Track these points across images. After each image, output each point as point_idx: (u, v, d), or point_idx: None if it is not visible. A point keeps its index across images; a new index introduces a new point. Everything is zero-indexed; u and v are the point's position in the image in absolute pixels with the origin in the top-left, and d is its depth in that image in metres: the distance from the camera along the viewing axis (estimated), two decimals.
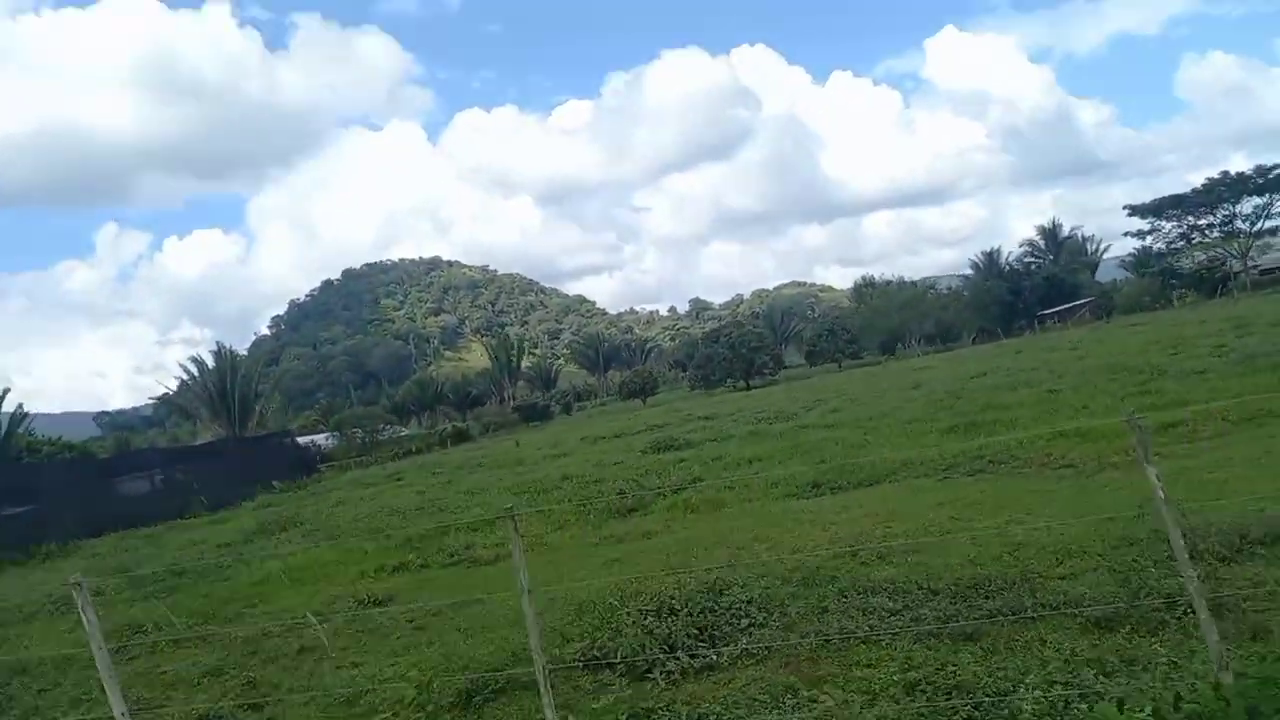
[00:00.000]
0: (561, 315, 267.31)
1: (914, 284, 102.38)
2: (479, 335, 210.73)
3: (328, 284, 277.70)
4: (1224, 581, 6.02)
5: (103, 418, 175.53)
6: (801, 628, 6.64)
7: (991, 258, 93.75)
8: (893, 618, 6.46)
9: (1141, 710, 3.39)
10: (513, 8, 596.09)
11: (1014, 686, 4.75)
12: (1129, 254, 79.65)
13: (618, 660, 6.44)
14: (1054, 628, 5.77)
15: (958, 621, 6.08)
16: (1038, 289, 78.99)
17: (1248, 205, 64.04)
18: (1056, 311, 74.89)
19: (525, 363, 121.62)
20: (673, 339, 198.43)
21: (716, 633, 6.73)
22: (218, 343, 67.31)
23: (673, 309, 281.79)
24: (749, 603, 7.22)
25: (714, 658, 6.30)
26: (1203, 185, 64.61)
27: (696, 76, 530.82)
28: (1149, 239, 70.77)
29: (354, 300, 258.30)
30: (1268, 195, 63.04)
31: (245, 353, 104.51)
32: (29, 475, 38.17)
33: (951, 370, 33.90)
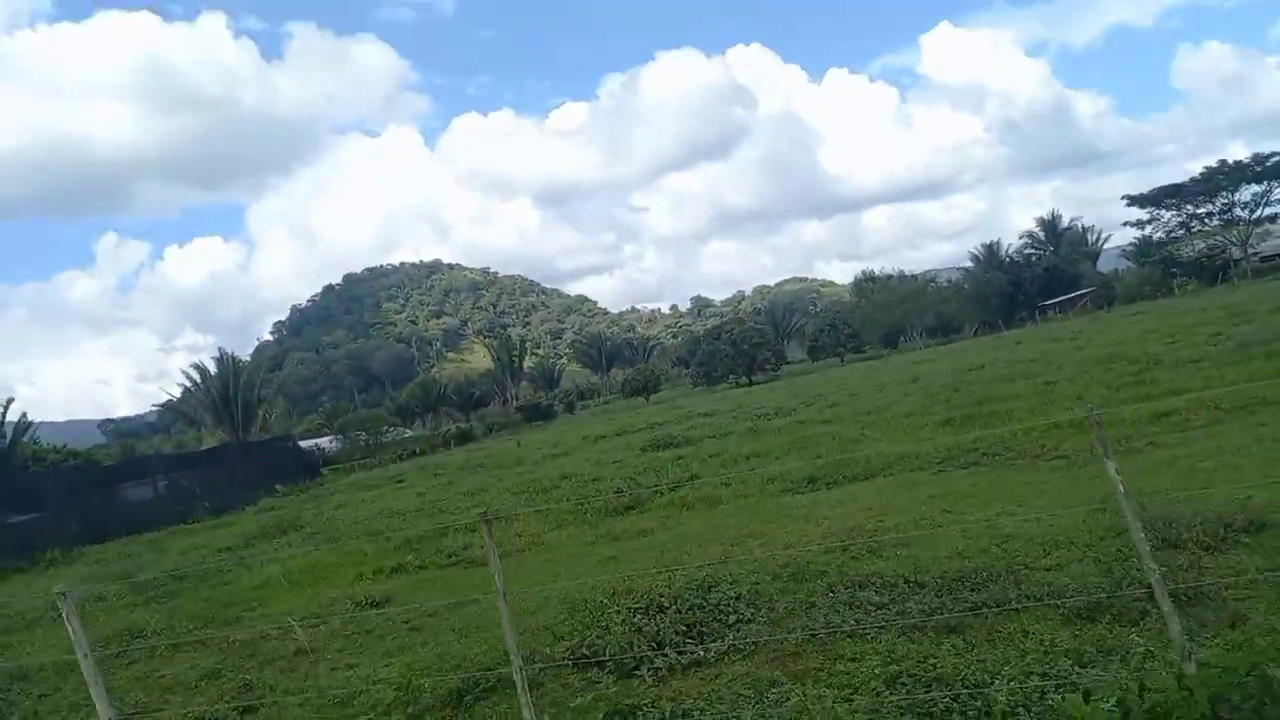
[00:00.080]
0: (563, 315, 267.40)
1: (914, 278, 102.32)
2: (481, 337, 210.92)
3: (329, 289, 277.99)
4: (1207, 570, 6.05)
5: (108, 425, 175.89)
6: (788, 623, 6.69)
7: (992, 250, 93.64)
8: (878, 611, 6.49)
9: (1107, 701, 3.43)
10: (507, 13, 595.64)
11: (991, 679, 4.79)
12: (1129, 244, 79.39)
13: (606, 658, 6.49)
14: (1037, 619, 5.81)
15: (942, 614, 6.11)
16: (1038, 280, 78.85)
17: (1246, 193, 63.85)
18: (1057, 302, 74.77)
19: (528, 363, 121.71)
20: (675, 336, 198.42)
21: (705, 629, 6.78)
22: (220, 349, 67.54)
23: (674, 307, 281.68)
24: (737, 599, 7.26)
25: (701, 654, 6.35)
26: (1201, 174, 64.39)
27: (692, 76, 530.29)
28: (1148, 228, 70.63)
29: (356, 304, 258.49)
30: (1266, 183, 62.80)
31: (248, 358, 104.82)
32: (34, 483, 38.34)
33: (950, 363, 33.90)
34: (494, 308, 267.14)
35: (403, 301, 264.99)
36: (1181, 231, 68.63)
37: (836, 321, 78.88)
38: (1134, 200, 70.02)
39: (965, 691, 4.73)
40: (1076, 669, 4.71)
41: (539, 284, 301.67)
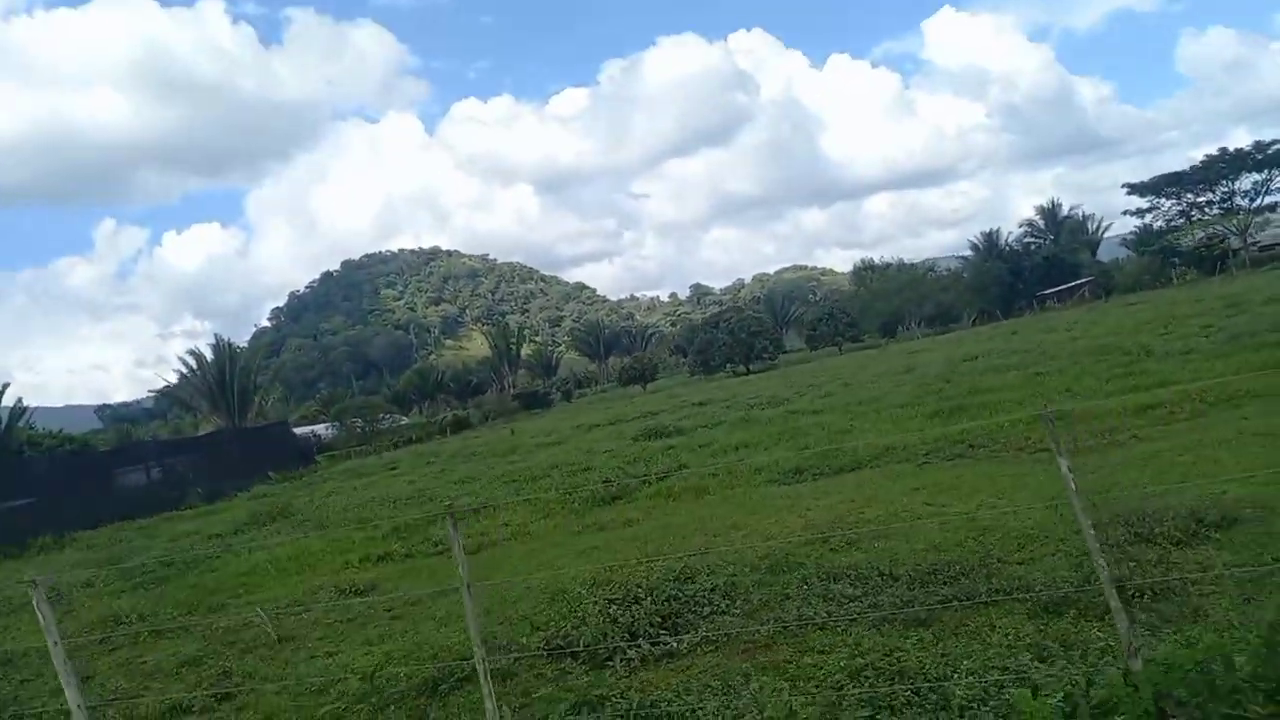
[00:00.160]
0: (562, 303, 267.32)
1: (914, 266, 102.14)
2: (479, 324, 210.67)
3: (327, 275, 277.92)
4: (1175, 565, 6.08)
5: (105, 411, 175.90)
6: (762, 615, 6.72)
7: (991, 238, 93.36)
8: (851, 604, 6.52)
9: (1054, 696, 3.44)
10: None
11: (952, 672, 4.81)
12: (1130, 232, 79.32)
13: (580, 649, 6.52)
14: (1005, 613, 5.84)
15: (912, 607, 6.14)
16: (1037, 269, 78.72)
17: (1247, 181, 63.78)
18: (1056, 291, 74.67)
19: (526, 350, 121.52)
20: (674, 324, 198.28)
21: (679, 621, 6.81)
22: (216, 335, 67.45)
23: (674, 295, 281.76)
24: (713, 590, 7.29)
25: (675, 645, 6.37)
26: (1201, 162, 64.26)
27: (693, 62, 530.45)
28: (1148, 217, 70.54)
29: (354, 291, 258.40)
30: (1267, 171, 62.73)
31: (246, 345, 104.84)
32: (29, 469, 38.38)
33: (946, 353, 33.91)
34: (493, 295, 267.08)
35: (401, 288, 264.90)
36: (1182, 220, 68.57)
37: (835, 310, 78.86)
38: (1134, 189, 69.96)
39: (926, 685, 4.76)
40: (1036, 663, 4.74)
41: (538, 271, 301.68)
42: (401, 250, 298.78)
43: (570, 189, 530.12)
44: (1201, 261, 65.46)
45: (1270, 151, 61.41)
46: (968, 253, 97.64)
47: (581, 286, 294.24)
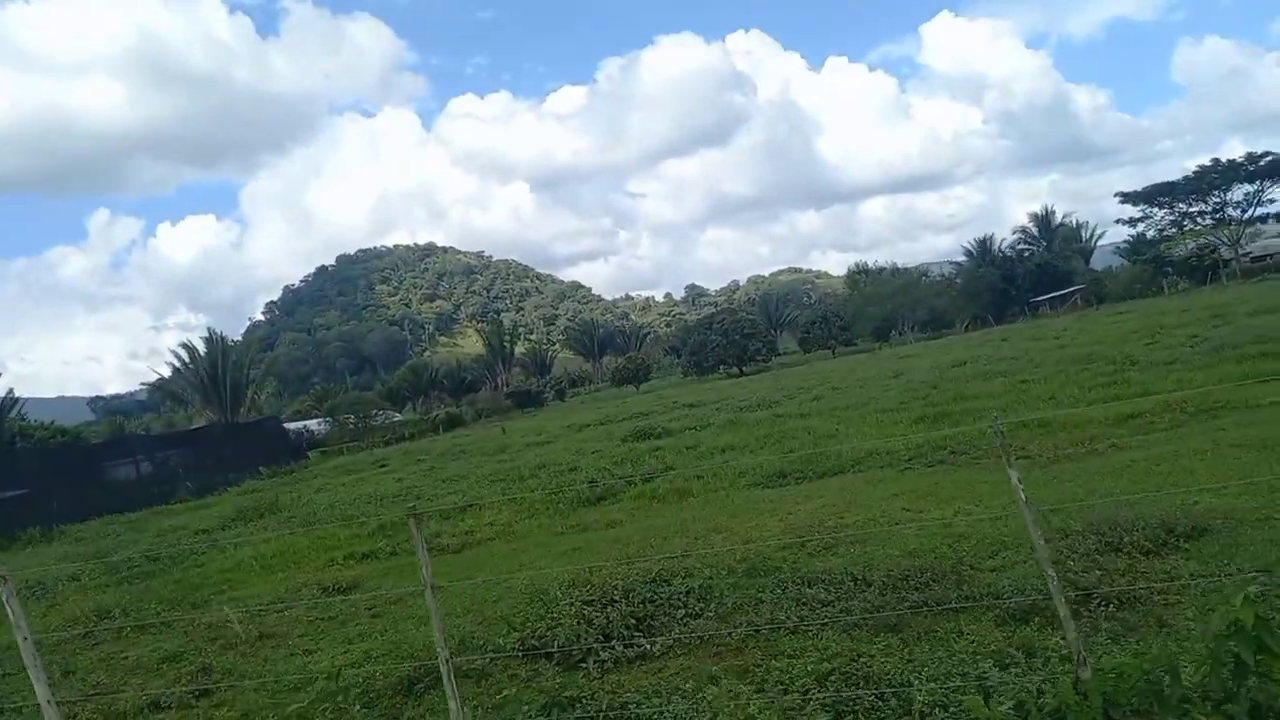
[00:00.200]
0: (557, 301, 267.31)
1: (907, 271, 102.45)
2: (474, 321, 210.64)
3: (322, 270, 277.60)
4: (1142, 574, 6.16)
5: (97, 403, 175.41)
6: (735, 618, 6.78)
7: (985, 245, 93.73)
8: (823, 609, 6.59)
9: (1004, 704, 3.52)
10: None
11: (915, 677, 4.89)
12: (1124, 241, 79.67)
13: (554, 649, 6.58)
14: (973, 619, 5.92)
15: (883, 613, 6.22)
16: (1030, 276, 79.00)
17: (1239, 193, 64.11)
18: (1049, 299, 74.98)
19: (520, 349, 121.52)
20: (668, 325, 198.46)
21: (654, 623, 6.87)
22: (209, 328, 67.25)
23: (669, 295, 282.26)
24: (688, 593, 7.36)
25: (648, 647, 6.44)
26: (1194, 173, 64.65)
27: (691, 62, 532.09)
28: (1141, 226, 70.85)
29: (349, 286, 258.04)
30: (1259, 183, 63.07)
31: (240, 338, 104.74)
32: (19, 460, 38.31)
33: (935, 358, 34.06)
34: (488, 292, 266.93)
35: (396, 284, 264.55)
36: (1174, 230, 68.90)
37: (828, 314, 79.16)
38: (1127, 197, 70.27)
39: (890, 690, 4.83)
40: (997, 670, 4.81)
41: (533, 269, 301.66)
42: (397, 246, 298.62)
43: (566, 187, 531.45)
44: (1193, 271, 65.79)
45: (1262, 163, 61.76)
46: (962, 258, 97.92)
47: (577, 285, 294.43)
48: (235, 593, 12.07)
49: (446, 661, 4.29)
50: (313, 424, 73.41)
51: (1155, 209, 68.49)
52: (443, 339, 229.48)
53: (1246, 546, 6.42)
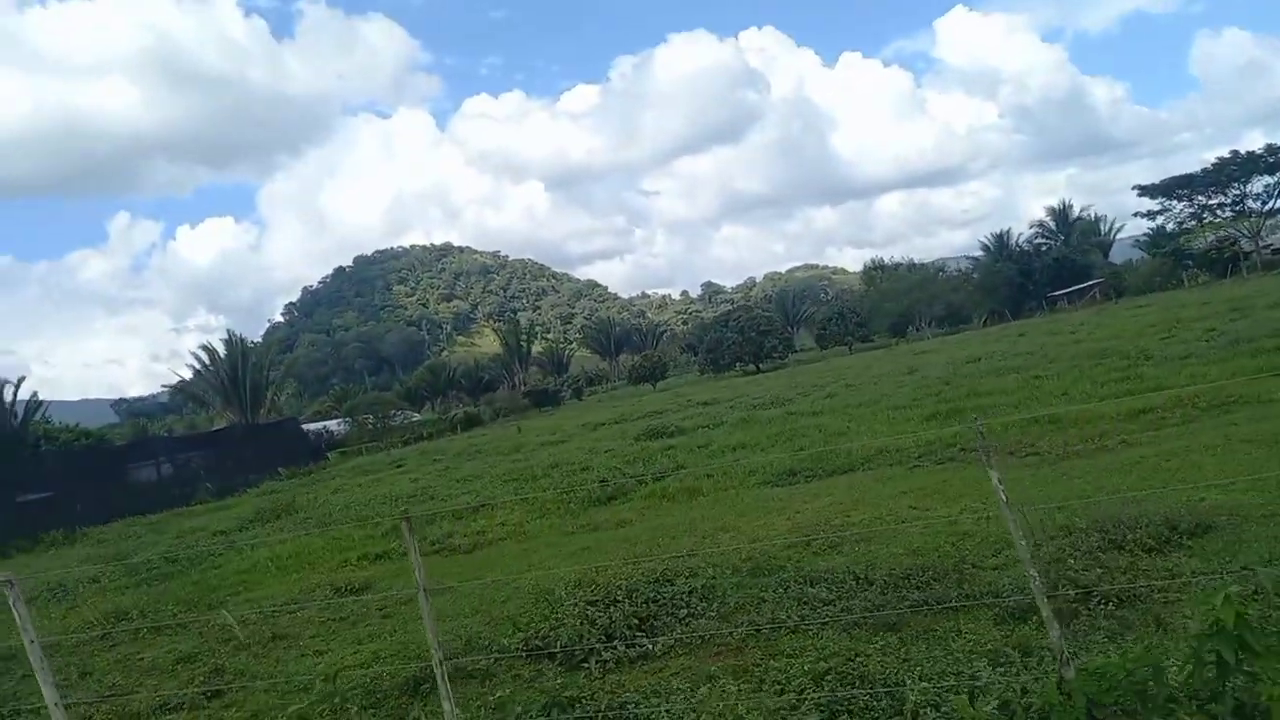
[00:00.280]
0: (573, 300, 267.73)
1: (924, 266, 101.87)
2: (491, 321, 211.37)
3: (340, 271, 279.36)
4: (1143, 572, 6.15)
5: (121, 405, 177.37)
6: (737, 618, 6.82)
7: (1002, 239, 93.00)
8: (825, 608, 6.62)
9: (989, 703, 3.55)
10: None
11: (908, 678, 4.92)
12: (1143, 234, 78.87)
13: (557, 649, 6.65)
14: (972, 618, 5.93)
15: (882, 612, 6.24)
16: (1048, 270, 78.36)
17: (1259, 184, 63.32)
18: (1067, 293, 74.34)
19: (537, 348, 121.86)
20: (685, 323, 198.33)
21: (656, 622, 6.92)
22: (229, 330, 67.87)
23: (685, 293, 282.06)
24: (691, 593, 7.40)
25: (649, 647, 6.49)
26: (1213, 165, 63.88)
27: (704, 60, 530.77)
28: (1159, 219, 70.15)
29: (366, 287, 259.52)
30: (1278, 174, 62.27)
31: (260, 340, 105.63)
32: (43, 463, 38.86)
33: (950, 354, 33.91)
34: (504, 291, 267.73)
35: (413, 284, 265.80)
36: (1193, 223, 68.16)
37: (845, 310, 78.91)
38: (1145, 190, 69.59)
39: (884, 689, 4.86)
40: (991, 669, 4.83)
41: (549, 268, 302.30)
42: (413, 246, 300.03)
43: (581, 186, 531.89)
44: (1213, 264, 65.05)
45: None
46: (978, 253, 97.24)
47: (593, 284, 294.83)
48: (251, 594, 12.23)
49: (440, 664, 4.36)
50: (332, 425, 73.92)
51: (1174, 202, 67.76)
52: (460, 339, 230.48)
53: (1251, 543, 6.39)
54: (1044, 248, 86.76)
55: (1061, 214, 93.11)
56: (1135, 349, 20.64)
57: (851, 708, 4.80)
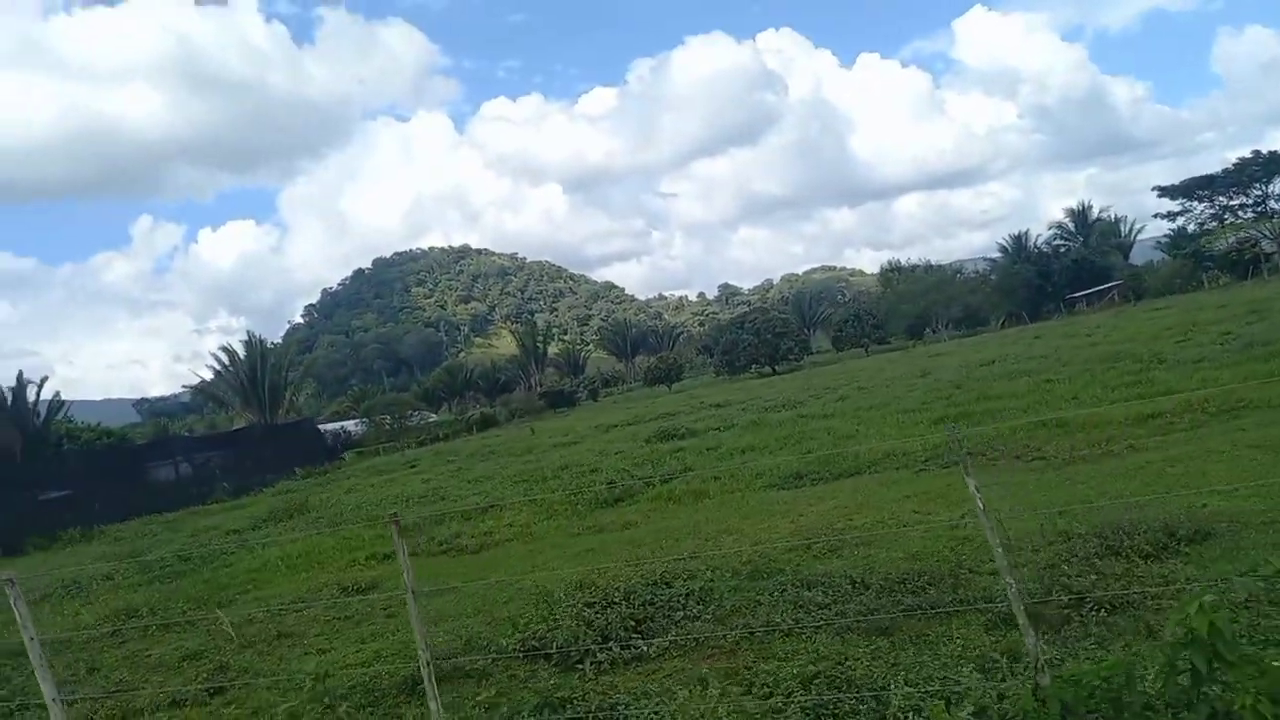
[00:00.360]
0: (590, 302, 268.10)
1: (941, 268, 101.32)
2: (508, 322, 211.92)
3: (359, 273, 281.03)
4: (1138, 579, 6.12)
5: (143, 405, 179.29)
6: (733, 620, 6.85)
7: (1020, 240, 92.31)
8: (820, 611, 6.63)
9: (964, 709, 3.56)
10: None
11: (893, 682, 4.93)
12: (1164, 235, 78.10)
13: (553, 650, 6.70)
14: (964, 624, 5.93)
15: (876, 616, 6.25)
16: (1066, 272, 77.67)
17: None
18: (1085, 295, 73.69)
19: (554, 349, 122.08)
20: (702, 324, 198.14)
21: (652, 624, 6.96)
22: (248, 332, 68.41)
23: (702, 294, 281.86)
24: (688, 596, 7.43)
25: (644, 649, 6.53)
26: (1234, 165, 63.19)
27: (722, 62, 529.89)
28: (1180, 220, 69.44)
29: (385, 289, 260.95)
30: None
31: (280, 341, 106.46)
32: (65, 462, 39.37)
33: (965, 357, 33.72)
34: (522, 293, 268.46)
35: (432, 286, 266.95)
36: (1214, 224, 67.43)
37: (861, 312, 78.58)
38: (1165, 191, 68.92)
39: (870, 693, 4.88)
40: (978, 674, 4.83)
41: (567, 270, 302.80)
42: (432, 248, 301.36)
43: (599, 188, 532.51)
44: (1234, 266, 64.31)
45: None
46: (996, 255, 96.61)
47: (610, 286, 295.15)
48: (260, 592, 12.36)
49: (428, 664, 4.43)
50: (350, 425, 74.35)
51: (1195, 203, 67.06)
52: (478, 340, 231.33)
53: (1249, 550, 6.35)
54: (1062, 249, 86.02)
55: (1081, 215, 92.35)
56: (1149, 352, 20.47)
57: (837, 712, 4.83)
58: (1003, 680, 4.76)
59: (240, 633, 9.90)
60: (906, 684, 4.82)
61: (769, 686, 5.36)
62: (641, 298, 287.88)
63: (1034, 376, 20.13)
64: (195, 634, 10.14)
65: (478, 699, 5.82)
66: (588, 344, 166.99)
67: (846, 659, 5.53)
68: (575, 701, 5.73)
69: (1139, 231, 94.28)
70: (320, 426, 65.37)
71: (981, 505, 4.08)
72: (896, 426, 16.56)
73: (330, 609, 10.20)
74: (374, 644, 8.39)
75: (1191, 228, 69.21)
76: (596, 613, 7.13)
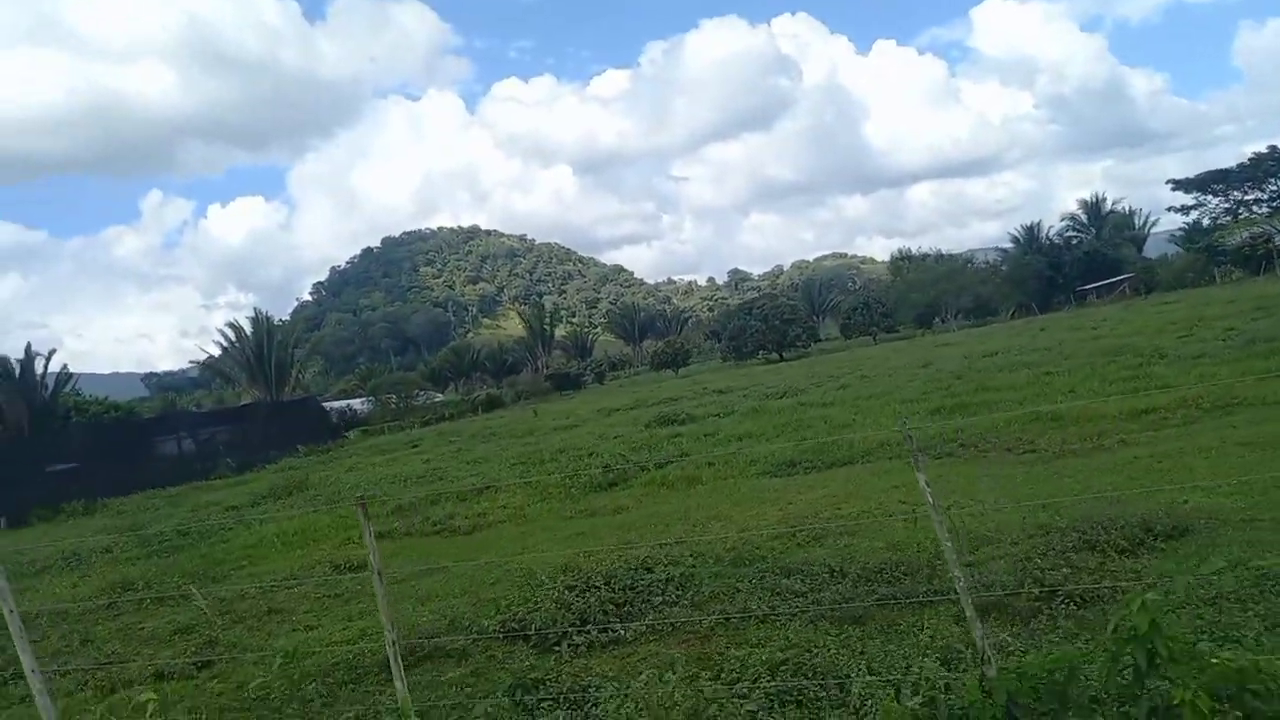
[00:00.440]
0: (599, 285, 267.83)
1: (952, 257, 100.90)
2: (516, 304, 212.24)
3: (368, 251, 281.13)
4: (1110, 574, 6.17)
5: (150, 379, 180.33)
6: (710, 606, 6.92)
7: (1032, 231, 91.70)
8: (796, 599, 6.70)
9: (914, 699, 3.62)
10: None
11: (855, 671, 4.99)
12: (1178, 229, 77.53)
13: (532, 632, 6.79)
14: (936, 614, 5.98)
15: (850, 604, 6.31)
16: (1078, 264, 77.27)
17: None
18: (1096, 287, 73.30)
19: (561, 332, 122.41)
20: (711, 309, 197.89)
21: (630, 608, 7.04)
22: (255, 308, 68.71)
23: (711, 280, 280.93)
24: (669, 581, 7.50)
25: (621, 633, 6.61)
26: (1249, 160, 62.60)
27: (736, 45, 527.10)
28: (1194, 214, 68.92)
29: (394, 268, 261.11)
30: None
31: (288, 318, 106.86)
32: (71, 435, 39.70)
33: (970, 348, 33.65)
34: (530, 275, 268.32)
35: (440, 266, 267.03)
36: (1228, 219, 66.89)
37: (870, 300, 78.33)
38: (1179, 184, 68.34)
39: (834, 681, 4.94)
40: (940, 665, 4.88)
41: (576, 252, 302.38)
42: (441, 228, 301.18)
43: (610, 171, 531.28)
44: (1247, 261, 63.81)
45: None
46: (1007, 245, 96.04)
47: (619, 269, 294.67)
48: (254, 568, 12.51)
49: (393, 644, 4.51)
50: (356, 403, 74.71)
51: (1209, 196, 66.50)
52: (485, 321, 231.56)
53: (1224, 547, 6.37)
54: (1075, 241, 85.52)
55: (1094, 207, 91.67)
56: (1151, 347, 20.42)
57: (800, 698, 4.89)
58: (965, 671, 4.82)
59: (231, 608, 10.04)
60: (869, 673, 4.88)
61: (736, 672, 5.43)
62: (650, 281, 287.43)
63: (1035, 369, 20.09)
64: (188, 608, 10.26)
65: (448, 678, 5.90)
66: (595, 327, 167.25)
67: (815, 647, 5.59)
68: (548, 683, 5.82)
69: (1153, 224, 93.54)
70: (326, 404, 65.74)
71: (931, 499, 4.12)
72: (894, 416, 16.57)
73: (321, 586, 10.32)
74: (360, 622, 8.49)
75: (1205, 222, 68.68)
76: (577, 596, 7.21)
